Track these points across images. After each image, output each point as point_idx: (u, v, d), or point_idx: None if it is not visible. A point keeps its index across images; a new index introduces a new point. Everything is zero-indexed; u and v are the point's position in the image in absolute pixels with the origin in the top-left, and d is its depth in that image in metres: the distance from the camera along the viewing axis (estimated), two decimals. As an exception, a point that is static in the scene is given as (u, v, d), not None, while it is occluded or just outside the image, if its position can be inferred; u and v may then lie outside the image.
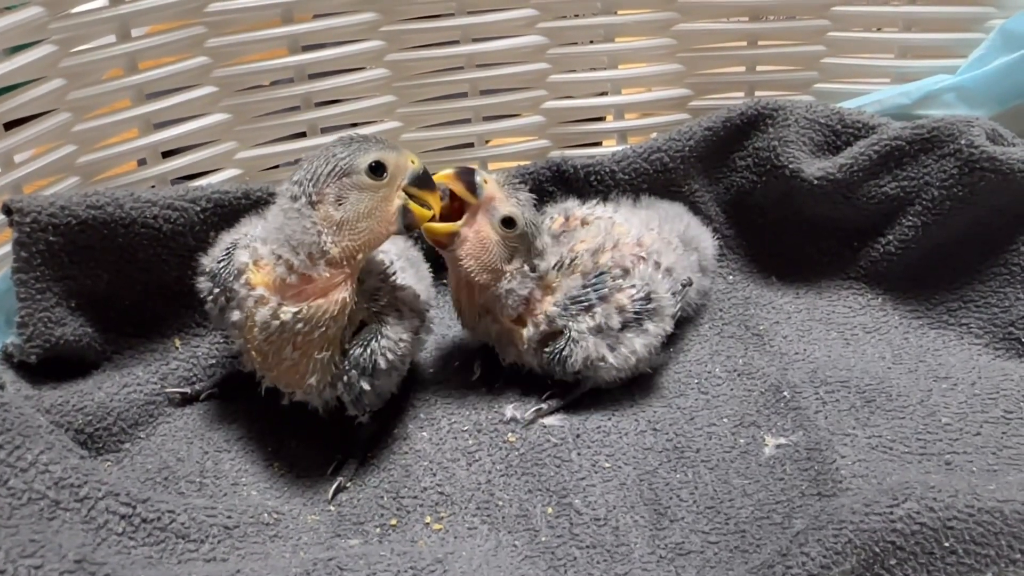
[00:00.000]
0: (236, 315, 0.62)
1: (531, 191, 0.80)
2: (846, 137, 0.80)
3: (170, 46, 0.77)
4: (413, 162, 0.62)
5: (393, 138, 0.86)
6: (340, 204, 0.59)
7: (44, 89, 0.71)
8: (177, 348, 0.72)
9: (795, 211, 0.80)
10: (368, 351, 0.61)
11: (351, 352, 0.62)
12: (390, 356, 0.62)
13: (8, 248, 0.66)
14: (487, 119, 0.89)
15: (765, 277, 0.82)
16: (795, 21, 0.88)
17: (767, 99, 0.82)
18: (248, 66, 0.80)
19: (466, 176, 0.65)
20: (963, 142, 0.73)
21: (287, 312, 0.59)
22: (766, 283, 0.82)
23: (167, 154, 0.80)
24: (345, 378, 0.62)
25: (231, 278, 0.62)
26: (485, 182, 0.65)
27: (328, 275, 0.59)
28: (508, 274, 0.66)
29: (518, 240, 0.66)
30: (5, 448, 0.52)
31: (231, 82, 0.80)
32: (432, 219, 0.63)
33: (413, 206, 0.61)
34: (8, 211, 0.65)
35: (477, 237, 0.65)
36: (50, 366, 0.67)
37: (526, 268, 0.67)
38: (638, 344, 0.67)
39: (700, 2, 0.86)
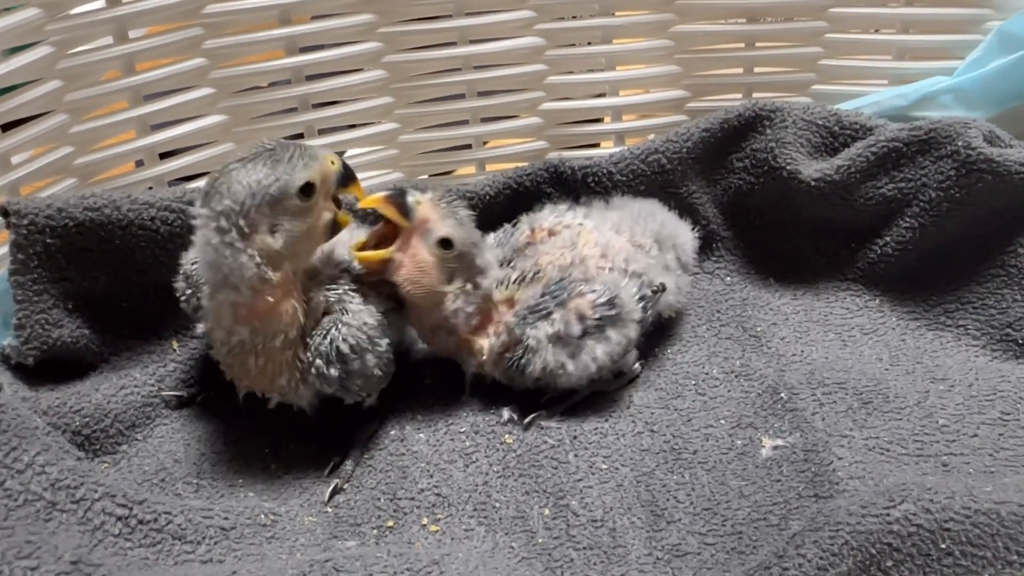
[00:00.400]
0: (201, 327, 0.62)
1: (529, 192, 0.81)
2: (843, 139, 0.80)
3: (167, 47, 0.77)
4: (332, 163, 0.60)
5: (391, 140, 0.86)
6: (275, 232, 0.57)
7: (41, 90, 0.72)
8: (174, 350, 0.72)
9: (793, 212, 0.80)
10: (328, 339, 0.61)
11: (311, 343, 0.61)
12: (352, 341, 0.61)
13: (5, 250, 0.66)
14: (485, 120, 0.89)
15: (763, 278, 0.82)
16: (793, 23, 0.88)
17: (765, 101, 0.82)
18: (246, 67, 0.80)
19: (397, 199, 0.63)
20: (960, 144, 0.73)
21: (242, 331, 0.59)
22: (763, 284, 0.82)
23: (164, 155, 0.80)
24: (313, 370, 0.61)
25: (201, 280, 0.62)
26: (418, 203, 0.63)
27: (274, 297, 0.59)
28: (450, 295, 0.65)
29: (456, 260, 0.64)
30: (2, 450, 0.52)
31: (229, 83, 0.80)
32: (366, 245, 0.64)
33: (339, 215, 0.61)
34: (5, 213, 0.65)
35: (413, 261, 0.63)
36: (47, 368, 0.67)
37: (468, 287, 0.65)
38: (599, 351, 0.66)
39: (698, 4, 0.86)
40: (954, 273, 0.76)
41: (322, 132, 0.85)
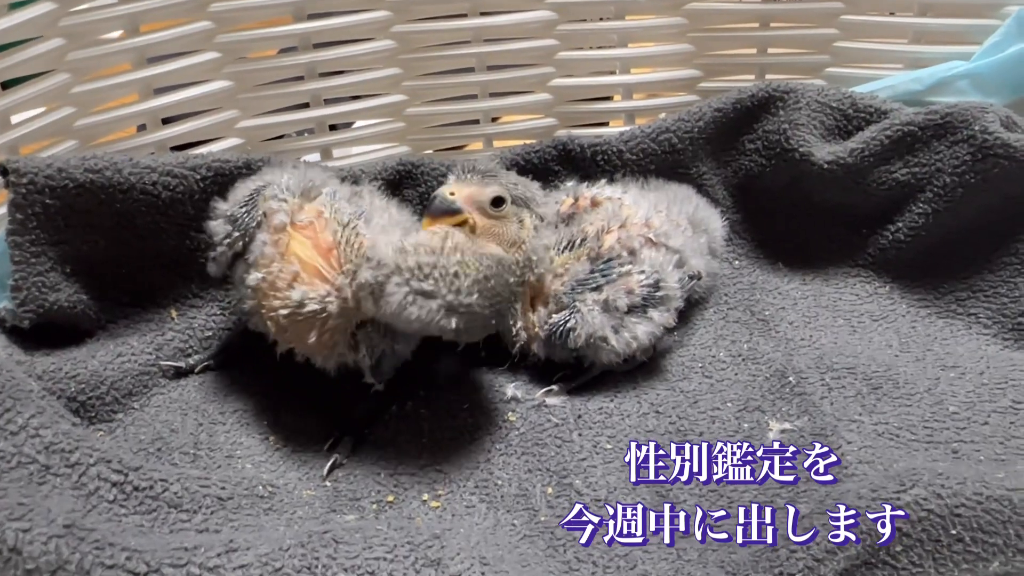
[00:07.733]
0: (254, 277, 0.60)
1: (537, 170, 0.79)
2: (857, 122, 0.79)
3: (172, 9, 0.75)
4: None
5: (397, 112, 0.85)
6: None
7: (43, 48, 0.70)
8: (173, 319, 0.71)
9: (804, 196, 0.79)
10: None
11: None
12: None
13: (3, 211, 0.65)
14: (494, 95, 0.87)
15: (772, 262, 0.81)
16: (808, 3, 0.86)
17: (778, 82, 0.80)
18: (252, 32, 0.78)
19: (438, 210, 0.61)
20: (977, 128, 0.72)
21: (333, 303, 0.58)
22: (773, 268, 0.81)
23: (167, 120, 0.79)
24: (367, 342, 0.61)
25: (254, 225, 0.61)
26: (452, 194, 0.62)
27: None
28: (527, 234, 0.64)
29: (515, 205, 0.64)
30: (-5, 411, 0.51)
31: (234, 48, 0.78)
32: None
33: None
34: (4, 171, 0.64)
35: (487, 235, 0.62)
36: (43, 332, 0.65)
37: (536, 220, 0.65)
38: (640, 331, 0.66)
39: (712, -18, 0.85)
40: (966, 261, 0.75)
41: (328, 102, 0.83)
